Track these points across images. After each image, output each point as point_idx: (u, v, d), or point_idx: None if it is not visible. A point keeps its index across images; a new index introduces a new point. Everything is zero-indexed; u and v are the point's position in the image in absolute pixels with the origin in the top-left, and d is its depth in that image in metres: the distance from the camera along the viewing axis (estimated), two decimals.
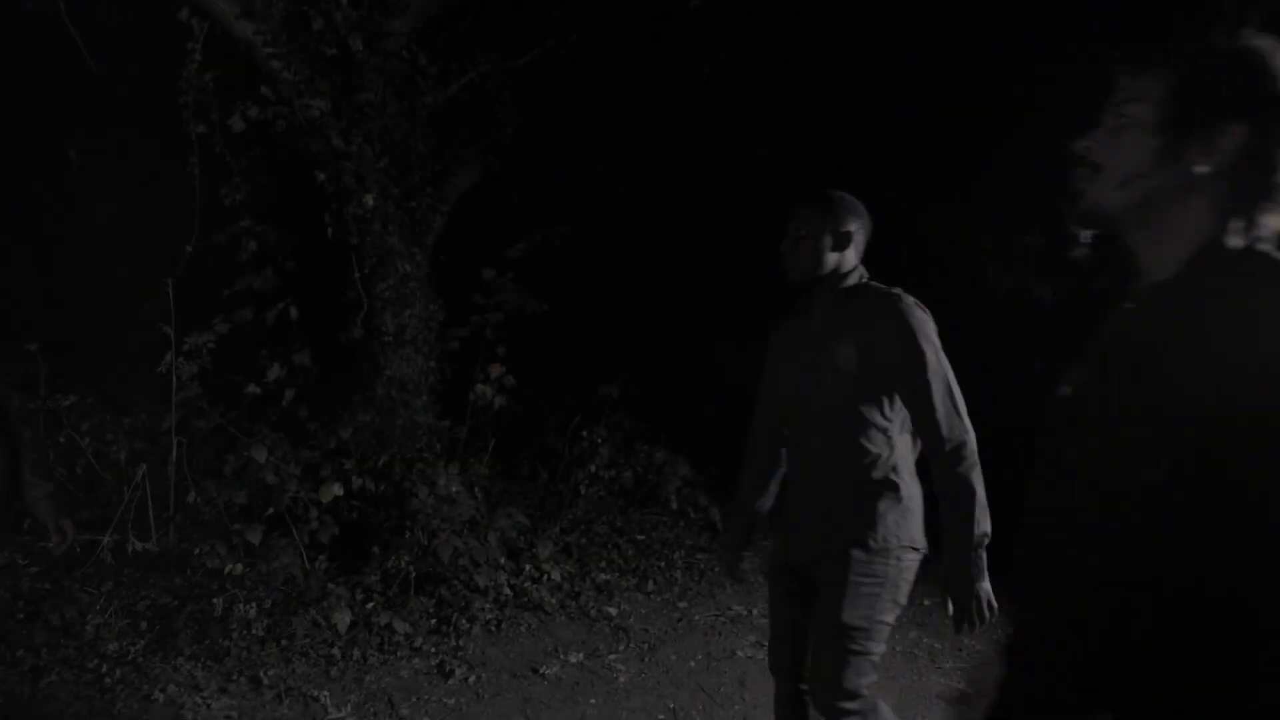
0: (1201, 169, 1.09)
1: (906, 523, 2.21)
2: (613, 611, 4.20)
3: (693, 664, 3.75)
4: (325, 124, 5.17)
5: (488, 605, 4.09)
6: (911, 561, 2.23)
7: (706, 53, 6.97)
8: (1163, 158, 1.11)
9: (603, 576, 4.59)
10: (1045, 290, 6.25)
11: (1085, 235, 1.22)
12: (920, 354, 2.12)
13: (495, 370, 5.47)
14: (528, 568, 4.45)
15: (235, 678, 3.40)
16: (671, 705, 3.38)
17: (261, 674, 3.41)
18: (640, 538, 5.15)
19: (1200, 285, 1.06)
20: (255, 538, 3.81)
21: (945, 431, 2.08)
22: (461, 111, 6.12)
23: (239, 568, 3.88)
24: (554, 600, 4.27)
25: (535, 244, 6.27)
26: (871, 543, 2.17)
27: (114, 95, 5.43)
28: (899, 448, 2.24)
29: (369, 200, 5.40)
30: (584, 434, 5.66)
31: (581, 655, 3.76)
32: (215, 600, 3.66)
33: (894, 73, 7.33)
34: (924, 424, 2.12)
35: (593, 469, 5.60)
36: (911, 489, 2.25)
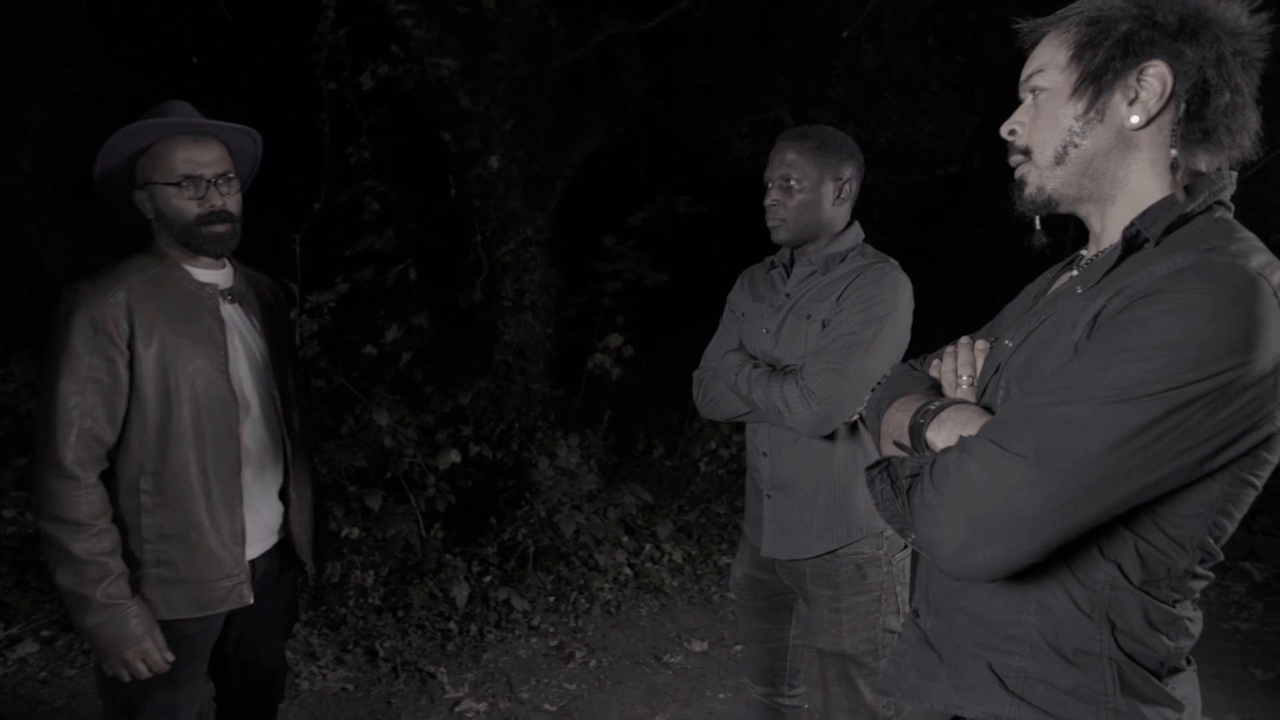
0: (1134, 120, 1.02)
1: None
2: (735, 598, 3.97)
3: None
4: (453, 84, 5.06)
5: (607, 585, 3.92)
6: (906, 554, 1.97)
7: (842, 15, 6.60)
8: (1089, 120, 1.04)
9: (724, 560, 4.37)
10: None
11: (1037, 223, 1.15)
12: (849, 311, 1.85)
13: (614, 340, 5.28)
14: (647, 547, 4.27)
15: (351, 647, 3.32)
16: (806, 705, 3.14)
17: (378, 645, 3.32)
18: None
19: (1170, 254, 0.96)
20: (375, 503, 3.71)
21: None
22: (588, 74, 5.93)
23: (355, 532, 3.81)
24: (675, 583, 4.07)
25: (657, 212, 6.06)
26: (861, 551, 1.91)
27: (247, 48, 5.43)
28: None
29: (494, 162, 5.28)
30: None
31: (706, 644, 3.55)
32: (333, 564, 3.58)
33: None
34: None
35: (712, 446, 5.38)
36: None
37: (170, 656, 1.66)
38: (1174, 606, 1.00)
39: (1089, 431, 0.89)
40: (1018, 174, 1.11)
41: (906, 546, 1.98)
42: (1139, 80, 1.01)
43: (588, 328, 5.61)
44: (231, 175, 1.76)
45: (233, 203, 1.76)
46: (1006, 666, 1.05)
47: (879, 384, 1.91)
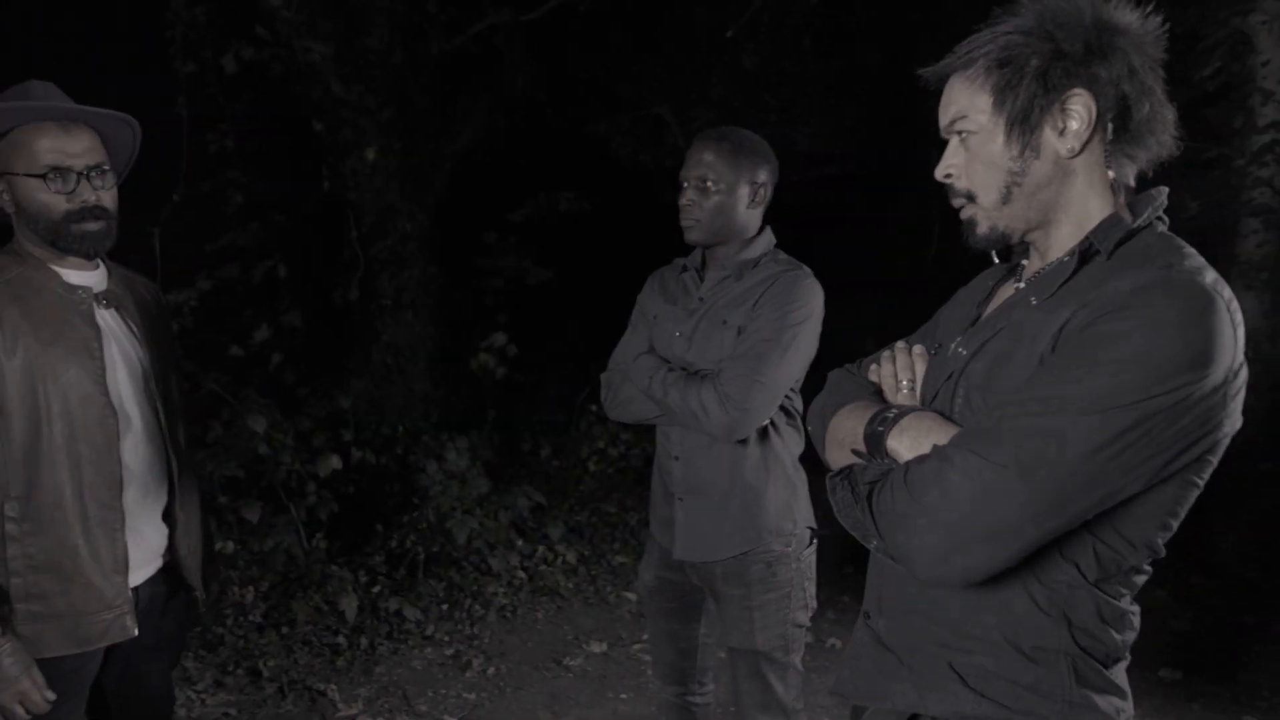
0: (1068, 149, 1.04)
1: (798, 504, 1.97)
2: (631, 597, 3.93)
3: (724, 654, 3.49)
4: (325, 70, 4.82)
5: (501, 589, 3.81)
6: (811, 551, 2.00)
7: (724, 15, 6.67)
8: (1026, 158, 1.06)
9: (618, 559, 4.33)
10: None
11: (995, 256, 1.19)
12: (766, 316, 1.85)
13: (497, 339, 5.16)
14: (540, 549, 4.18)
15: (232, 669, 3.09)
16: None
17: (261, 665, 3.11)
18: None
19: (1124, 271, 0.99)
20: (253, 515, 3.47)
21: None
22: (468, 64, 5.77)
23: (230, 546, 3.56)
24: (569, 584, 4.00)
25: (540, 208, 5.97)
26: (772, 549, 1.92)
27: (97, 24, 5.01)
28: (787, 438, 1.98)
29: (369, 154, 5.07)
30: (592, 408, 5.37)
31: (605, 645, 3.49)
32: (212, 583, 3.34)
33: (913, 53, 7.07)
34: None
35: (600, 445, 5.33)
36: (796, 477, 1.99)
37: (51, 696, 1.49)
38: (1120, 601, 1.05)
39: (1067, 442, 0.92)
40: (965, 216, 1.12)
41: (813, 543, 1.99)
42: (1064, 111, 1.03)
43: (469, 326, 5.46)
44: (106, 167, 1.57)
45: (107, 198, 1.57)
46: (968, 665, 1.07)
47: (789, 389, 1.93)
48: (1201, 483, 1.01)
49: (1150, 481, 0.95)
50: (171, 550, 1.75)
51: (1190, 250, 1.00)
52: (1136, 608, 1.08)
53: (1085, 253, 1.04)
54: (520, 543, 4.11)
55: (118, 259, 1.79)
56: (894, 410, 1.13)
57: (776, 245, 2.01)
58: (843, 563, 3.72)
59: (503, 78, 5.77)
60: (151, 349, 1.70)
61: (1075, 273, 1.04)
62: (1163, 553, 1.04)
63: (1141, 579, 1.06)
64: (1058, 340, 0.99)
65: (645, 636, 3.59)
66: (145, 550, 1.67)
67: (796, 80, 7.55)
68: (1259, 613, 3.68)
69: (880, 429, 1.11)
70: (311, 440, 4.17)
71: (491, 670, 3.27)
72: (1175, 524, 1.03)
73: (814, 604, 2.01)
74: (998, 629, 1.05)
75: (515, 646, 3.46)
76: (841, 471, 1.11)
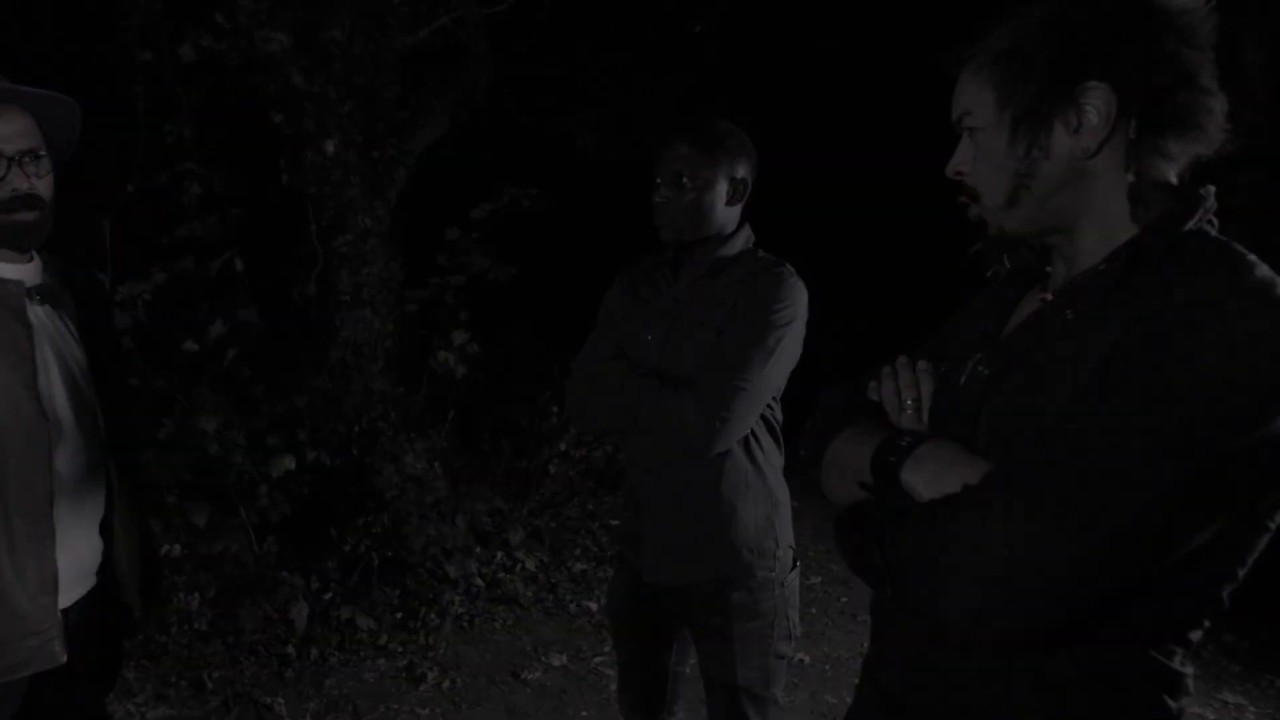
0: (1084, 149, 0.92)
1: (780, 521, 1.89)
2: (593, 607, 3.88)
3: (687, 669, 3.45)
4: (286, 60, 4.71)
5: (458, 598, 3.73)
6: (795, 576, 1.91)
7: (697, 9, 6.62)
8: (1034, 159, 0.95)
9: (578, 566, 4.27)
10: None
11: (1006, 261, 1.11)
12: (748, 317, 1.74)
13: (458, 337, 5.06)
14: (499, 555, 4.10)
15: (174, 680, 2.99)
16: None
17: (205, 676, 3.01)
18: (614, 523, 4.83)
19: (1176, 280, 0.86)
20: (200, 518, 3.36)
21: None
22: (432, 57, 5.66)
23: (177, 549, 3.45)
24: (529, 593, 3.93)
25: (503, 204, 5.88)
26: (753, 574, 1.83)
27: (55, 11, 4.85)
28: (768, 450, 1.89)
29: (330, 147, 4.96)
30: (554, 409, 5.30)
31: (565, 658, 3.43)
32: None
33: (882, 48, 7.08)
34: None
35: (562, 447, 5.26)
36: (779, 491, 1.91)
37: None
38: (1172, 660, 0.91)
39: (1133, 485, 0.78)
40: (972, 215, 1.02)
41: (796, 566, 1.90)
42: (1079, 106, 0.91)
43: (430, 324, 5.37)
44: (41, 153, 1.48)
45: (42, 185, 1.48)
46: None
47: (772, 397, 1.84)
48: (1274, 526, 0.88)
49: (1221, 528, 0.82)
50: (107, 566, 1.66)
51: (1255, 258, 0.86)
52: (1190, 669, 0.93)
53: (1130, 260, 0.91)
54: (478, 549, 4.03)
55: (67, 251, 1.69)
56: (907, 438, 0.99)
57: (755, 243, 1.90)
58: (809, 575, 3.70)
59: (467, 72, 5.67)
60: (91, 348, 1.60)
61: (1118, 283, 0.91)
62: (1226, 606, 0.91)
63: (1198, 635, 0.92)
64: (1107, 362, 0.85)
65: (607, 649, 3.54)
66: (77, 568, 1.58)
67: (764, 77, 7.54)
68: (1240, 632, 3.63)
69: (893, 459, 0.98)
70: (265, 440, 4.07)
71: (446, 684, 3.19)
72: (1243, 574, 0.89)
73: (798, 633, 1.90)
74: (1031, 693, 0.92)
75: (471, 658, 3.39)
76: (852, 510, 1.00)
